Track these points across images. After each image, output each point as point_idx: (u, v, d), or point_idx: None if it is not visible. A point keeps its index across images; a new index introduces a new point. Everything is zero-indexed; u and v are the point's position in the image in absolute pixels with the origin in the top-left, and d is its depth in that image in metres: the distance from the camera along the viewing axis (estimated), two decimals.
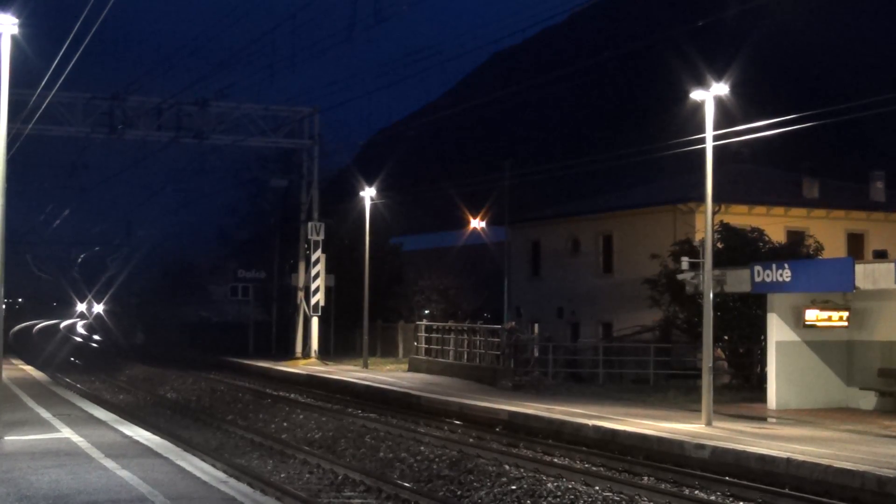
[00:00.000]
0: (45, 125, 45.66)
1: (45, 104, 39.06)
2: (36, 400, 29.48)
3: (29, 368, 46.66)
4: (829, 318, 30.07)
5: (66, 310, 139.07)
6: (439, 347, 44.58)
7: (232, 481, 16.47)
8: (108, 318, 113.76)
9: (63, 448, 19.17)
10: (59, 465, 16.89)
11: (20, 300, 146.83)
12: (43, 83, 31.98)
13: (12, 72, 20.69)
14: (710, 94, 25.70)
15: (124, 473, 16.18)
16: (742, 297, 34.71)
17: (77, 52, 24.78)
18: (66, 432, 21.73)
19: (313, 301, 52.42)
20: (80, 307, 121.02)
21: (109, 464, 17.20)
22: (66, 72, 27.71)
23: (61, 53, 25.62)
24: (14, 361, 50.94)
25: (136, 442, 20.50)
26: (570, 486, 19.87)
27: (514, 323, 42.04)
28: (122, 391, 44.02)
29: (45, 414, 25.60)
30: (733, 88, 26.10)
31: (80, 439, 20.46)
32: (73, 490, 14.65)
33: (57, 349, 73.78)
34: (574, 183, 72.40)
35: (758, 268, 29.26)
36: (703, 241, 27.15)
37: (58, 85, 31.43)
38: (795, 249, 38.63)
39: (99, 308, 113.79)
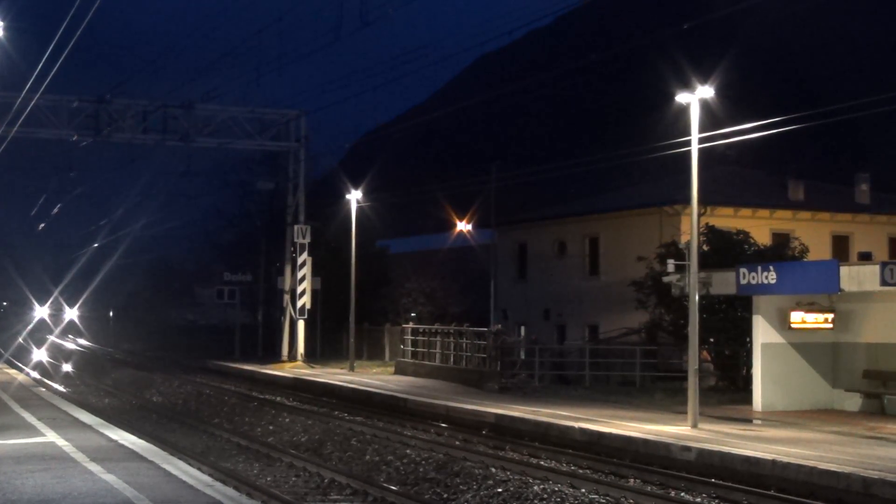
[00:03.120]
0: (30, 128, 45.53)
1: (30, 107, 38.95)
2: (20, 404, 29.37)
3: (13, 372, 46.48)
4: (815, 321, 30.14)
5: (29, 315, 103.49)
6: (426, 350, 44.54)
7: (218, 485, 16.43)
8: (83, 326, 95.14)
9: (48, 452, 19.09)
10: (44, 470, 16.83)
11: (4, 304, 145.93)
12: (28, 86, 31.92)
13: None
14: (695, 97, 25.75)
15: (109, 477, 16.12)
16: (728, 300, 34.79)
17: (62, 55, 24.70)
18: (51, 436, 21.65)
19: (299, 304, 52.34)
20: (40, 311, 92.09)
21: (94, 468, 17.14)
22: (52, 74, 27.64)
23: (46, 56, 25.55)
24: None
25: (122, 446, 20.43)
26: (556, 489, 19.89)
27: (500, 325, 42.07)
28: (107, 395, 43.88)
29: (29, 418, 25.50)
30: (719, 91, 26.16)
31: (65, 443, 20.38)
32: (59, 494, 14.59)
33: None
34: (560, 185, 72.40)
35: (743, 270, 29.34)
36: (688, 244, 27.19)
37: (43, 87, 31.34)
38: (781, 251, 38.74)
39: (73, 314, 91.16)
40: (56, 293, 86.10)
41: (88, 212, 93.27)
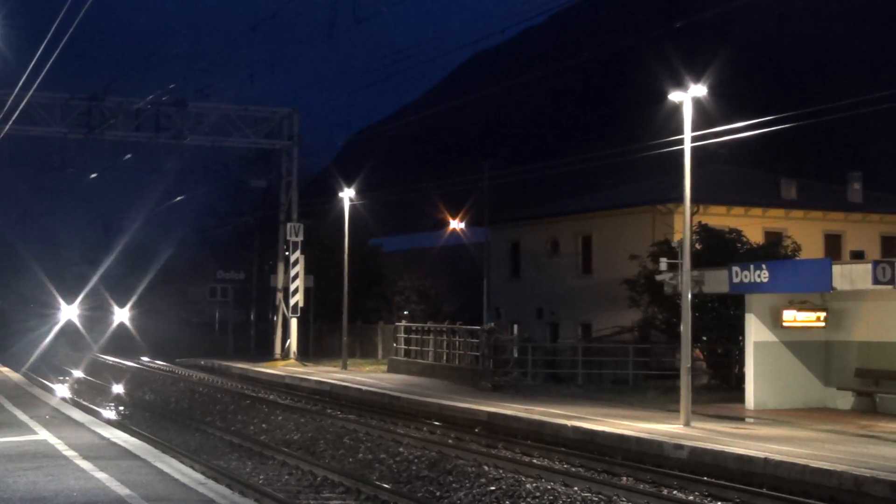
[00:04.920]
0: (22, 125, 45.46)
1: (22, 104, 38.86)
2: (12, 402, 29.31)
3: (6, 370, 46.40)
4: (807, 319, 30.19)
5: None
6: (419, 348, 44.58)
7: (210, 483, 16.41)
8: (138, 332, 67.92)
9: (40, 450, 19.05)
10: (37, 468, 16.80)
11: None
12: (20, 83, 31.83)
13: None
14: (688, 96, 25.78)
15: (102, 475, 16.10)
16: (720, 298, 34.82)
17: (55, 53, 24.64)
18: (44, 434, 21.60)
19: (292, 302, 52.34)
20: (67, 311, 68.29)
21: (87, 466, 17.12)
22: (44, 72, 27.57)
23: (39, 53, 25.49)
24: None
25: (114, 444, 20.40)
26: (549, 487, 19.91)
27: (493, 324, 42.09)
28: (100, 393, 43.82)
29: (21, 416, 25.45)
30: (712, 89, 26.20)
31: (58, 441, 20.35)
32: (51, 492, 14.57)
33: None
34: (553, 184, 72.47)
35: (736, 268, 29.37)
36: (681, 242, 27.23)
37: (35, 85, 31.27)
38: (773, 250, 38.78)
39: (124, 315, 66.81)
40: (88, 290, 65.88)
41: (81, 210, 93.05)
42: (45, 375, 49.75)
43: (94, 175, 57.33)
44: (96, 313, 69.39)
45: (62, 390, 42.40)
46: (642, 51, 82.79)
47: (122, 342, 66.91)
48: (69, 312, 66.59)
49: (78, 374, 52.09)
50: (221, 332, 68.89)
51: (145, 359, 61.56)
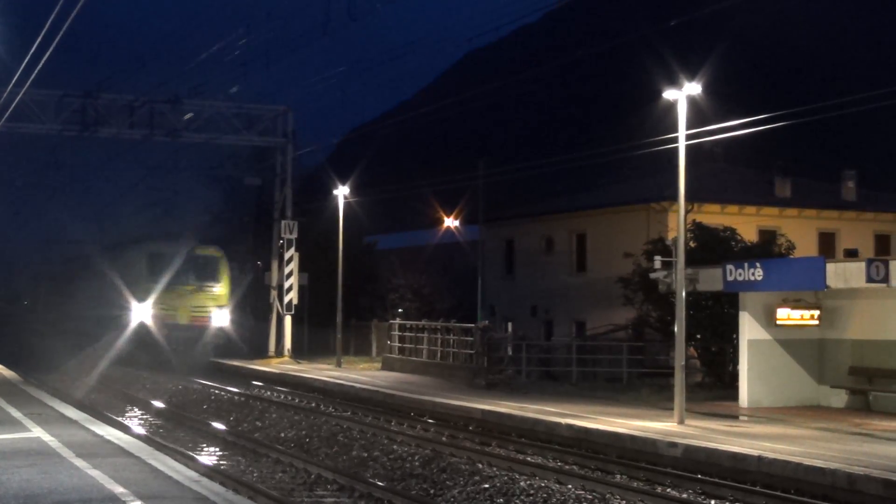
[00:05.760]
0: (16, 122, 45.39)
1: (16, 101, 38.82)
2: (6, 399, 29.25)
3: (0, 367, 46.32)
4: (801, 317, 30.23)
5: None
6: (413, 346, 44.57)
7: (204, 480, 16.39)
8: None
9: (34, 447, 19.03)
10: (30, 465, 16.77)
11: None
12: (14, 80, 31.80)
13: None
14: (682, 94, 25.79)
15: (96, 473, 16.08)
16: (714, 296, 34.86)
17: (49, 50, 24.60)
18: (37, 431, 21.57)
19: (286, 299, 52.30)
20: (138, 312, 49.34)
21: (81, 463, 17.10)
22: (38, 69, 27.52)
23: (32, 50, 25.45)
24: None
25: (108, 441, 20.37)
26: (542, 485, 19.92)
27: (487, 321, 42.10)
28: (94, 390, 43.74)
29: (15, 413, 25.40)
30: (706, 87, 26.20)
31: (52, 438, 20.32)
32: (44, 490, 14.55)
33: None
34: (548, 182, 72.50)
35: (730, 266, 29.40)
36: (675, 240, 27.24)
37: (29, 82, 31.23)
38: (767, 248, 38.83)
39: (223, 319, 51.45)
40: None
41: (75, 208, 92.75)
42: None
43: (87, 173, 57.19)
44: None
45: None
46: (637, 49, 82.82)
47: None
48: (141, 313, 49.87)
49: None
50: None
51: (257, 383, 44.36)
